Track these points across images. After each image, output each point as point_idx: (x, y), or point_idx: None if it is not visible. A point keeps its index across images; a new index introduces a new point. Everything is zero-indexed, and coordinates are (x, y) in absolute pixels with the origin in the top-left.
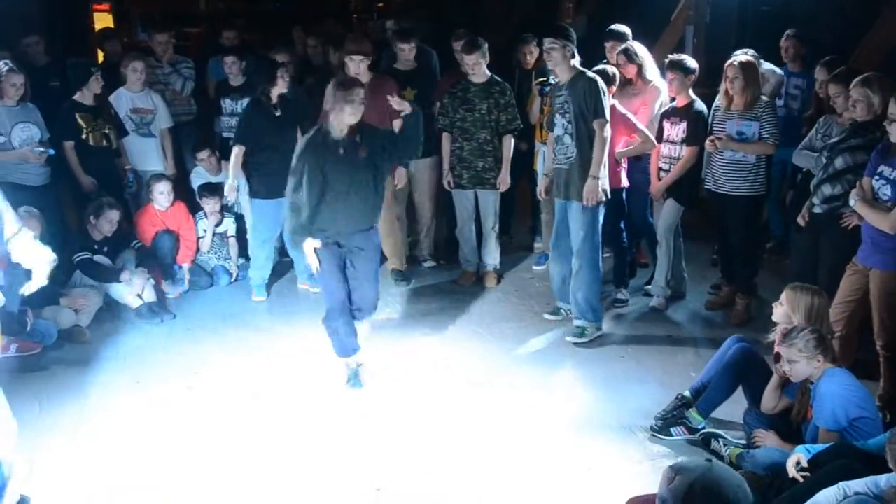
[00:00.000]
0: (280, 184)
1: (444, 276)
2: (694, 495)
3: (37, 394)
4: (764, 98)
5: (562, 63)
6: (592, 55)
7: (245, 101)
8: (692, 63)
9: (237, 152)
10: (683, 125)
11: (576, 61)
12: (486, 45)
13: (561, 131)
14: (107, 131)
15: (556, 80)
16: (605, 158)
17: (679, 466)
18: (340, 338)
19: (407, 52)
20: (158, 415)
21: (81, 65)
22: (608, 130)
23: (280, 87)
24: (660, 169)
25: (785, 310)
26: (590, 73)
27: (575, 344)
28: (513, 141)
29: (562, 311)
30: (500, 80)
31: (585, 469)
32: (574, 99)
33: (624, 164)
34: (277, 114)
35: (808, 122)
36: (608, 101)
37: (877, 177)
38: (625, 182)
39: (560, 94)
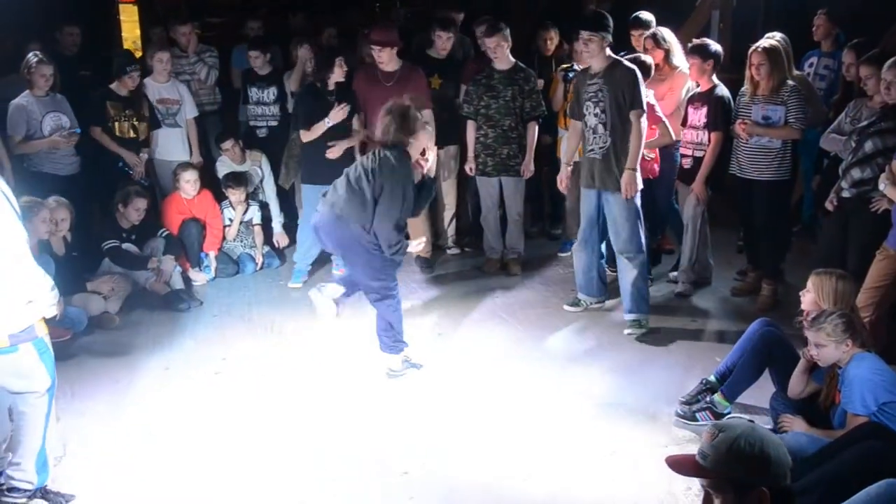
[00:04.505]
0: (329, 171)
1: (468, 264)
2: (737, 450)
3: (68, 379)
4: (790, 82)
5: (599, 52)
6: (616, 42)
7: (272, 90)
8: (713, 47)
9: (304, 139)
10: (705, 110)
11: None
12: (508, 30)
13: (594, 121)
14: (135, 123)
15: (581, 67)
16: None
17: (722, 425)
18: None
19: (444, 41)
20: (187, 400)
21: (123, 58)
22: (645, 121)
23: (338, 76)
24: (683, 155)
25: (812, 296)
26: (626, 63)
27: (635, 337)
28: (537, 128)
29: (582, 302)
30: (524, 66)
31: (609, 453)
32: (610, 88)
33: (655, 154)
34: (332, 100)
35: (835, 106)
36: (644, 91)
37: None
38: (656, 172)
39: (593, 82)
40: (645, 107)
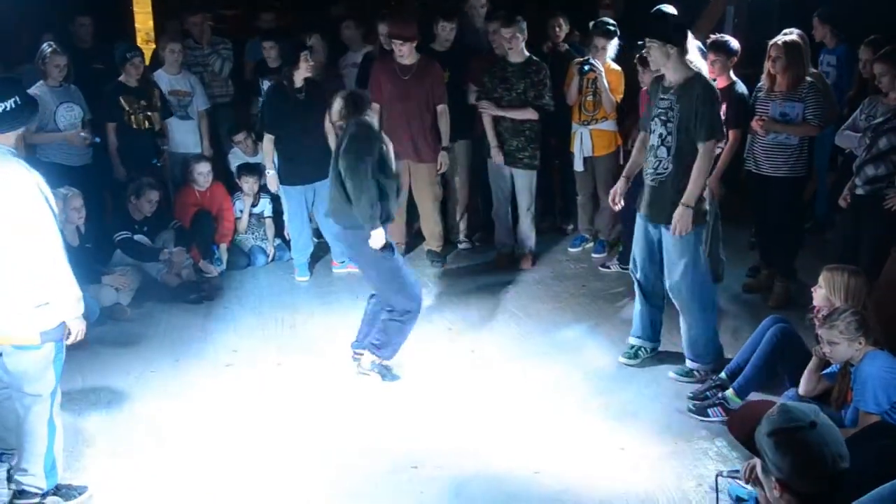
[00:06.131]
0: (305, 170)
1: (479, 258)
2: (776, 437)
3: (80, 369)
4: (808, 79)
5: (666, 62)
6: (630, 35)
7: None
8: (735, 45)
9: (265, 141)
10: (723, 107)
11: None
12: (525, 23)
13: (657, 141)
14: (149, 114)
15: (665, 81)
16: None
17: (790, 407)
18: (404, 340)
19: (448, 32)
20: (197, 391)
21: (124, 47)
22: (714, 154)
23: (303, 71)
24: None
25: (824, 293)
26: (707, 80)
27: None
28: (531, 112)
29: (641, 351)
30: (537, 59)
31: (619, 449)
32: (682, 107)
33: None
34: (300, 97)
35: (850, 102)
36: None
37: None
38: None
39: (665, 97)
40: (722, 134)
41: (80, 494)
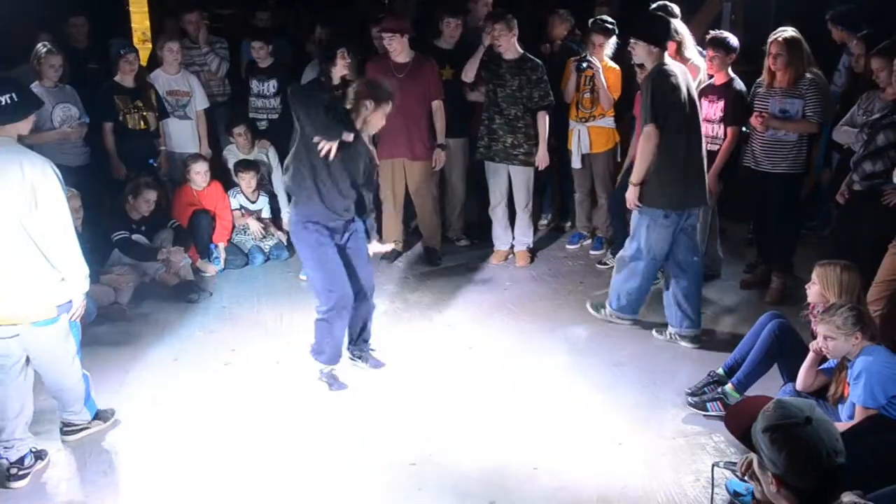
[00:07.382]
0: None
1: (476, 255)
2: (770, 434)
3: None
4: (808, 75)
5: (646, 57)
6: (627, 34)
7: (272, 83)
8: (734, 41)
9: None
10: (721, 104)
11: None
12: (515, 21)
13: None
14: (145, 114)
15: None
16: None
17: (785, 403)
18: (337, 340)
19: (453, 28)
20: (196, 390)
21: (118, 43)
22: (653, 137)
23: (341, 68)
24: None
25: (818, 288)
26: (656, 70)
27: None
28: (547, 117)
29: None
30: (532, 57)
31: (617, 444)
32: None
33: None
34: (338, 94)
35: (841, 97)
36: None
37: None
38: None
39: None
40: (652, 120)
41: (112, 415)
